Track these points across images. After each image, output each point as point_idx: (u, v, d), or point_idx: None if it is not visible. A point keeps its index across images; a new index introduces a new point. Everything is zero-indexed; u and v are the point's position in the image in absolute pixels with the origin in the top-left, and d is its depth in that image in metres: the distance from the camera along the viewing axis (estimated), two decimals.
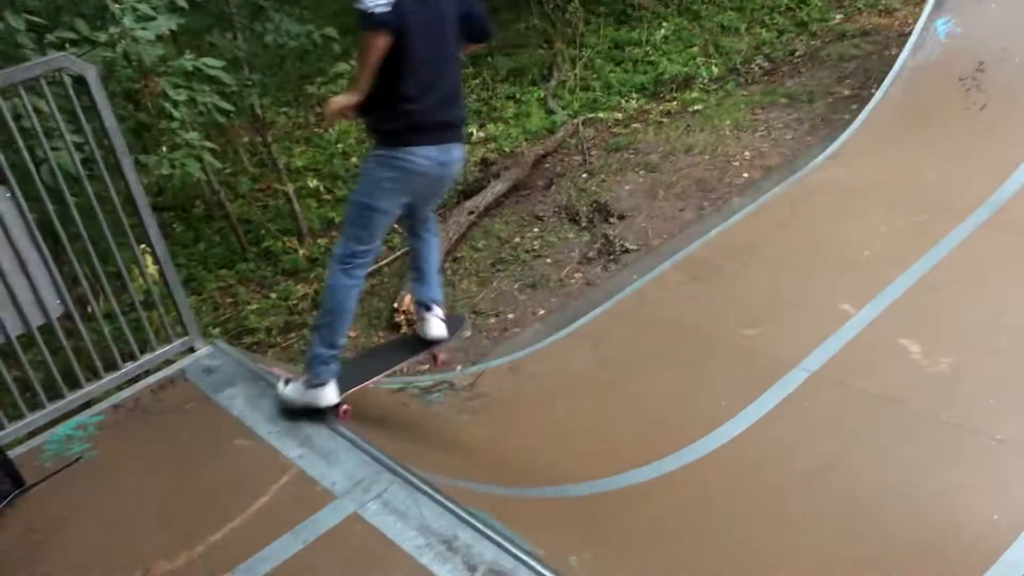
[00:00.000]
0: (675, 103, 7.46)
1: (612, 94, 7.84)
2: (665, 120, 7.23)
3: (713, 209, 5.77)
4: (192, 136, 4.53)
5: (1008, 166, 5.11)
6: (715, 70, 7.76)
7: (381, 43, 2.69)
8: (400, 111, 2.84)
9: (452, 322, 3.58)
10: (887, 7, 8.32)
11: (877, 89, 6.18)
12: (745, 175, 6.14)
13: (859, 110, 6.19)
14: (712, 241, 5.24)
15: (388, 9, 2.63)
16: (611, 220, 5.91)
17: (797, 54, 7.93)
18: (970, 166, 5.26)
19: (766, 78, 7.66)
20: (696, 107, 7.28)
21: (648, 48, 8.35)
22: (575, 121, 7.31)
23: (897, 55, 6.30)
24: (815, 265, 4.79)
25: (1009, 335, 3.94)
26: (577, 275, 5.46)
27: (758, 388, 3.85)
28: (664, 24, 8.60)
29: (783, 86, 7.39)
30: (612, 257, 5.53)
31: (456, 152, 3.03)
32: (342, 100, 2.92)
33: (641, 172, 6.45)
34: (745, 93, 7.37)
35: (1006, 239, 4.62)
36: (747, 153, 6.41)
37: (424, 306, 3.43)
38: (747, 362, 4.10)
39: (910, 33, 6.38)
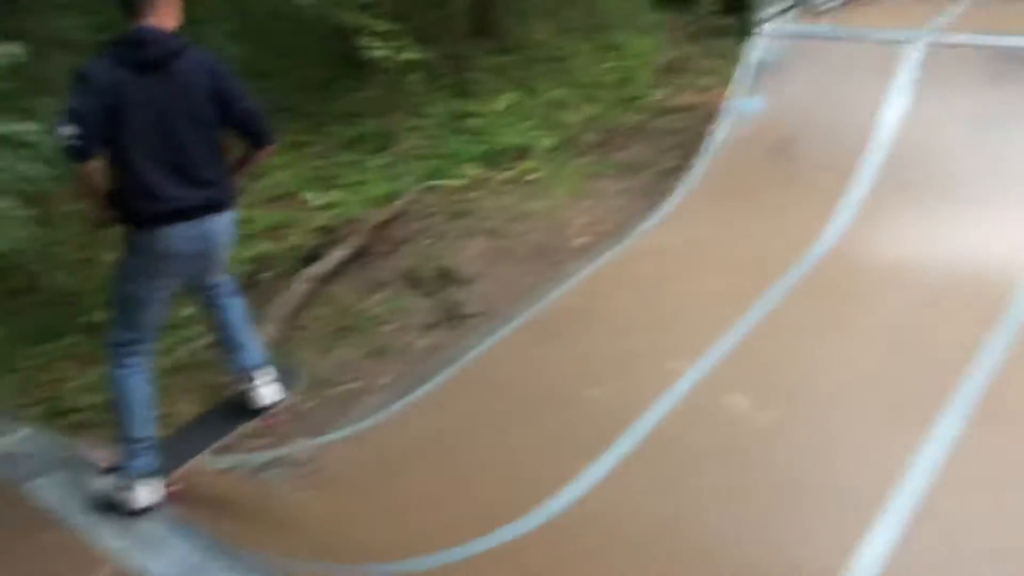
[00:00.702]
0: (513, 172, 7.68)
1: (453, 163, 7.97)
2: (504, 188, 7.42)
3: (552, 274, 5.93)
4: (2, 207, 4.24)
5: (814, 232, 5.58)
6: (550, 141, 8.07)
7: (87, 170, 2.69)
8: (137, 201, 2.76)
9: (286, 378, 3.38)
10: (704, 86, 8.96)
11: (697, 160, 6.61)
12: (580, 241, 6.37)
13: (682, 180, 6.59)
14: (551, 304, 5.38)
15: (79, 142, 2.60)
16: (455, 285, 5.95)
17: (625, 128, 8.38)
18: (781, 232, 5.70)
19: (597, 149, 8.03)
20: (533, 176, 7.53)
21: (487, 119, 8.58)
22: (417, 188, 7.37)
23: (714, 129, 6.79)
24: (648, 326, 5.00)
25: (825, 389, 4.25)
26: (422, 341, 5.44)
27: (600, 448, 3.94)
28: (501, 97, 8.88)
29: (613, 157, 7.78)
30: (456, 322, 5.55)
31: (213, 224, 2.88)
32: (89, 210, 2.88)
33: (483, 238, 6.56)
34: (578, 163, 7.69)
35: (816, 297, 5.02)
36: (581, 220, 6.67)
37: (248, 377, 3.22)
38: (589, 422, 4.20)
39: (724, 109, 6.90)
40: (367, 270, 6.38)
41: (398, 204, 7.20)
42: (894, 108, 6.10)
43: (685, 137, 7.80)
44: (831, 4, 7.39)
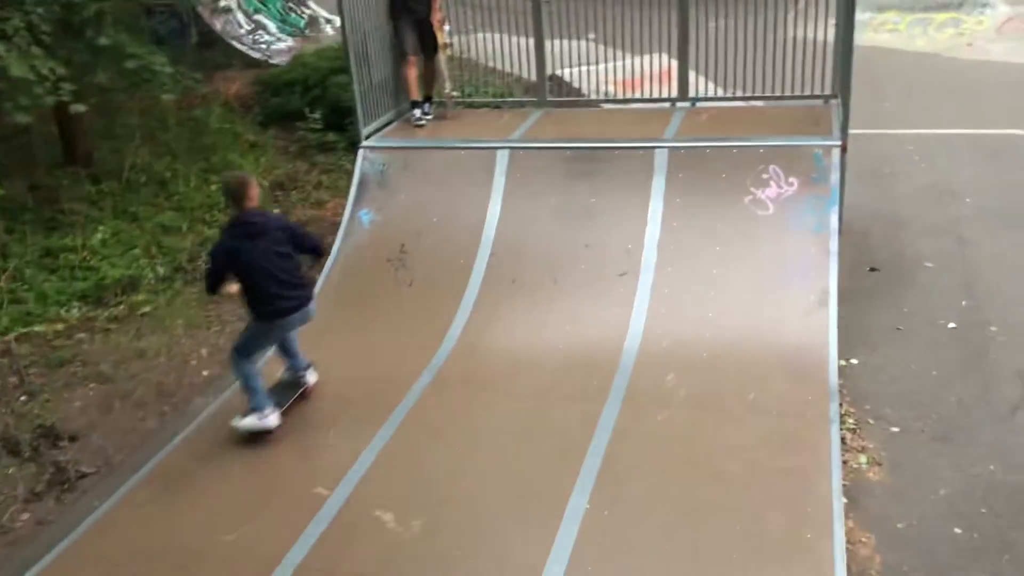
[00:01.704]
0: (122, 307, 7.07)
1: (49, 304, 7.13)
2: (113, 326, 6.80)
3: (176, 413, 5.51)
4: None
5: (439, 333, 5.83)
6: (161, 270, 7.58)
7: (220, 292, 5.02)
8: (263, 305, 4.86)
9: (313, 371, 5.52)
10: (318, 200, 9.08)
11: (320, 274, 6.60)
12: (205, 373, 6.03)
13: None
14: (177, 448, 4.98)
15: (207, 283, 4.96)
16: (61, 444, 5.29)
17: None
18: (409, 336, 5.88)
19: None
20: (145, 309, 7.00)
21: (86, 253, 7.83)
22: (5, 338, 6.47)
23: (333, 242, 6.85)
24: (288, 452, 4.83)
25: (465, 488, 4.40)
26: (24, 516, 4.74)
27: None
28: (101, 228, 8.19)
29: None
30: (66, 486, 4.92)
31: (308, 309, 5.01)
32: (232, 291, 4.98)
33: (92, 385, 5.94)
34: (195, 290, 7.29)
35: (448, 396, 5.22)
36: (204, 350, 6.33)
37: (300, 370, 5.35)
38: (230, 571, 3.92)
39: (341, 221, 7.01)
40: None
41: None
42: (494, 208, 6.65)
43: None
44: (426, 119, 7.92)
